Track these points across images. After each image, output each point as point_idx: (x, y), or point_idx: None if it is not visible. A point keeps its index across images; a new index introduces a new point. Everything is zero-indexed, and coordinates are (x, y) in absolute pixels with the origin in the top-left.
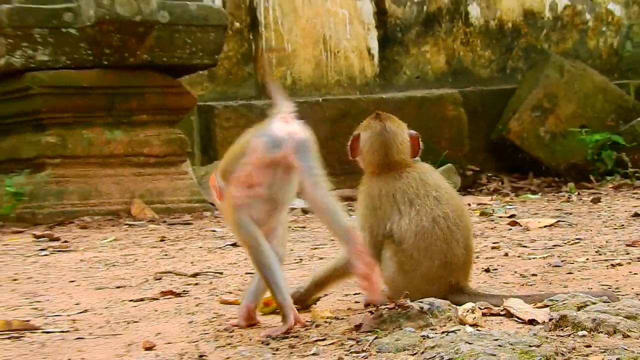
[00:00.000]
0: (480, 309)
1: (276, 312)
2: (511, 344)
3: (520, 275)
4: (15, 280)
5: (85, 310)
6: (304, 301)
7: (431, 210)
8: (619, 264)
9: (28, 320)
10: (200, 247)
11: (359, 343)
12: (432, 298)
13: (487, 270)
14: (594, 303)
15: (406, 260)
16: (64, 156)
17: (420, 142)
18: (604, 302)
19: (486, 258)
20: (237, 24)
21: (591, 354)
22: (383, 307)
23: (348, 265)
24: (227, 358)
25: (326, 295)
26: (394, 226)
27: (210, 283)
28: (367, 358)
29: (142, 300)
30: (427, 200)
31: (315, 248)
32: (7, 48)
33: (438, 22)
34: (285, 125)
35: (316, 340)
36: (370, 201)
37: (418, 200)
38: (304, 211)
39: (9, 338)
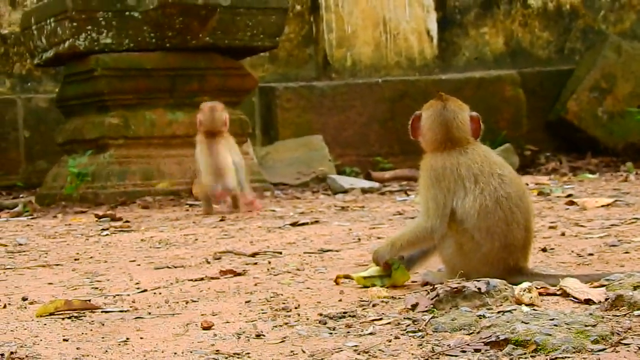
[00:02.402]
0: (537, 288)
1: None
2: (567, 324)
3: (577, 254)
4: (76, 260)
5: (145, 290)
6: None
7: (495, 190)
8: None
9: (88, 300)
10: (260, 227)
11: (415, 322)
12: (489, 278)
13: (544, 250)
14: None
15: (466, 241)
16: (126, 137)
17: (482, 124)
18: None
19: (543, 237)
20: (298, 7)
21: None
22: (439, 286)
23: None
24: (284, 337)
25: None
26: (458, 203)
27: (269, 262)
28: (423, 337)
29: (201, 279)
30: (491, 178)
31: (374, 227)
32: (72, 31)
33: (496, 4)
34: None
35: (373, 320)
36: (433, 173)
37: (483, 178)
38: (363, 191)
39: (69, 317)
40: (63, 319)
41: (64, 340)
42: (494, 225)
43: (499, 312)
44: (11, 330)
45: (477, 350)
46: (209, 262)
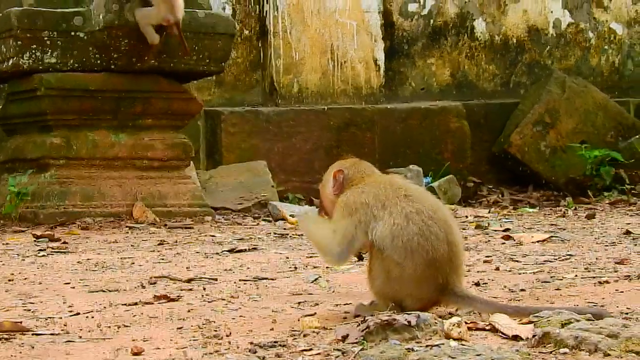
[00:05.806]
0: (466, 323)
1: None
2: (493, 359)
3: (509, 290)
4: (10, 280)
5: (78, 313)
6: None
7: (402, 208)
8: (607, 282)
9: (20, 322)
10: (198, 252)
11: (345, 354)
12: (419, 312)
13: (477, 284)
14: (577, 320)
15: (391, 266)
16: (68, 157)
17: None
18: (588, 320)
19: (477, 272)
20: (247, 32)
21: None
22: (370, 318)
23: None
24: None
25: (317, 305)
26: (374, 234)
27: (204, 289)
28: None
29: (135, 304)
30: (397, 200)
31: (311, 256)
32: (16, 50)
33: (444, 36)
34: None
35: (303, 350)
36: (345, 207)
37: (389, 202)
38: None
39: None
40: None
41: None
42: (409, 240)
43: (427, 346)
44: None
45: None
46: (144, 287)
